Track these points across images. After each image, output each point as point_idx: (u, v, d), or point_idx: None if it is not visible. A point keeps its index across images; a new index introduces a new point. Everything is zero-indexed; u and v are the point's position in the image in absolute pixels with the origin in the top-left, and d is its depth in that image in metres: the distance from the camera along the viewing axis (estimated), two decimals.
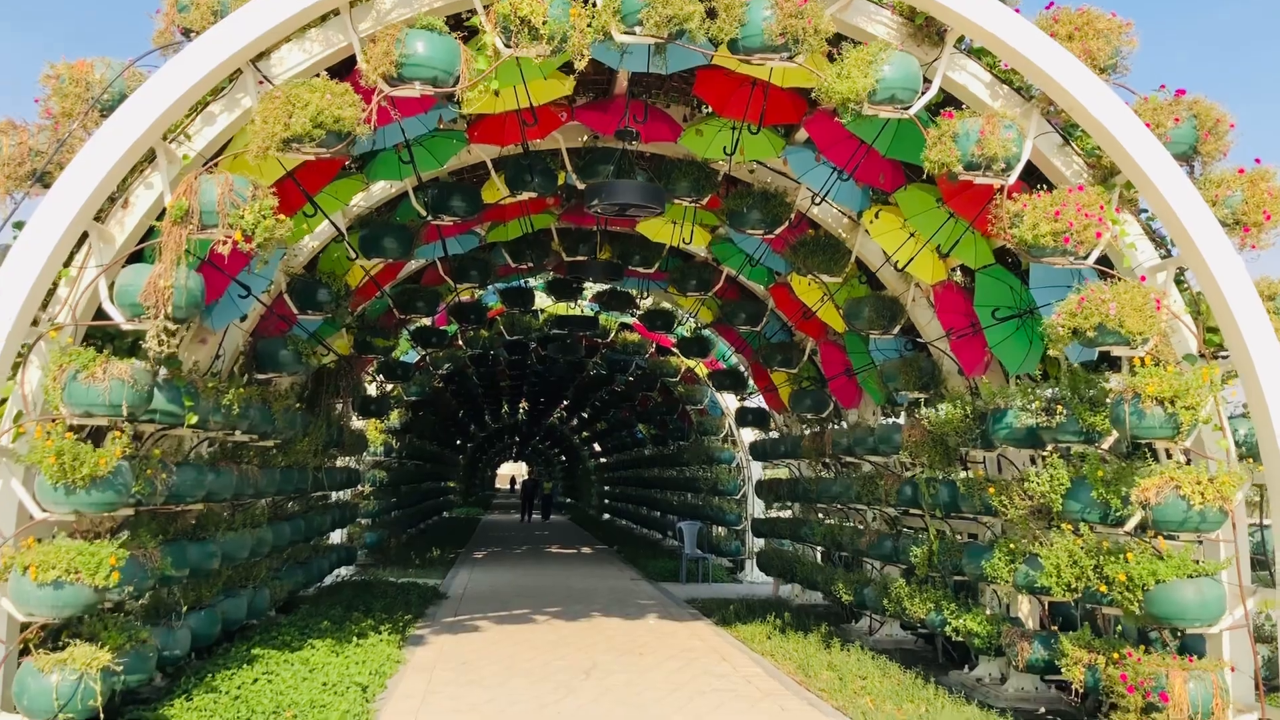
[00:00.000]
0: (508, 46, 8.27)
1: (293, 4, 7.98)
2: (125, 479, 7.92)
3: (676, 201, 12.71)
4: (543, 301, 22.16)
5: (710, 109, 11.71)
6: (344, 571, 20.75)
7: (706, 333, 21.18)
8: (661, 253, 16.70)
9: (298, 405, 13.16)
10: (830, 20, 8.40)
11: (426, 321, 21.26)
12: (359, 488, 23.88)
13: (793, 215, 12.69)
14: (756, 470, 23.55)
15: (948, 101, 9.39)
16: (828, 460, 17.16)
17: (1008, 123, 8.43)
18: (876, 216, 11.77)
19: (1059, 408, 9.20)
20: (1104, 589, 8.59)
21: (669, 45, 9.22)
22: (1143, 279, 8.58)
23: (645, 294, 19.91)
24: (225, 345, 12.24)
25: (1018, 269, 11.06)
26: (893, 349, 13.74)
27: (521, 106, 10.89)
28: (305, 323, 14.09)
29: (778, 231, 12.67)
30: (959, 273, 12.27)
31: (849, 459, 16.10)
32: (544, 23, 8.07)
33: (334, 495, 19.98)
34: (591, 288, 21.18)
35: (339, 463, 19.45)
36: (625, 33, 8.40)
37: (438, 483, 41.51)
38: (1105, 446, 9.37)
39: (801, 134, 11.84)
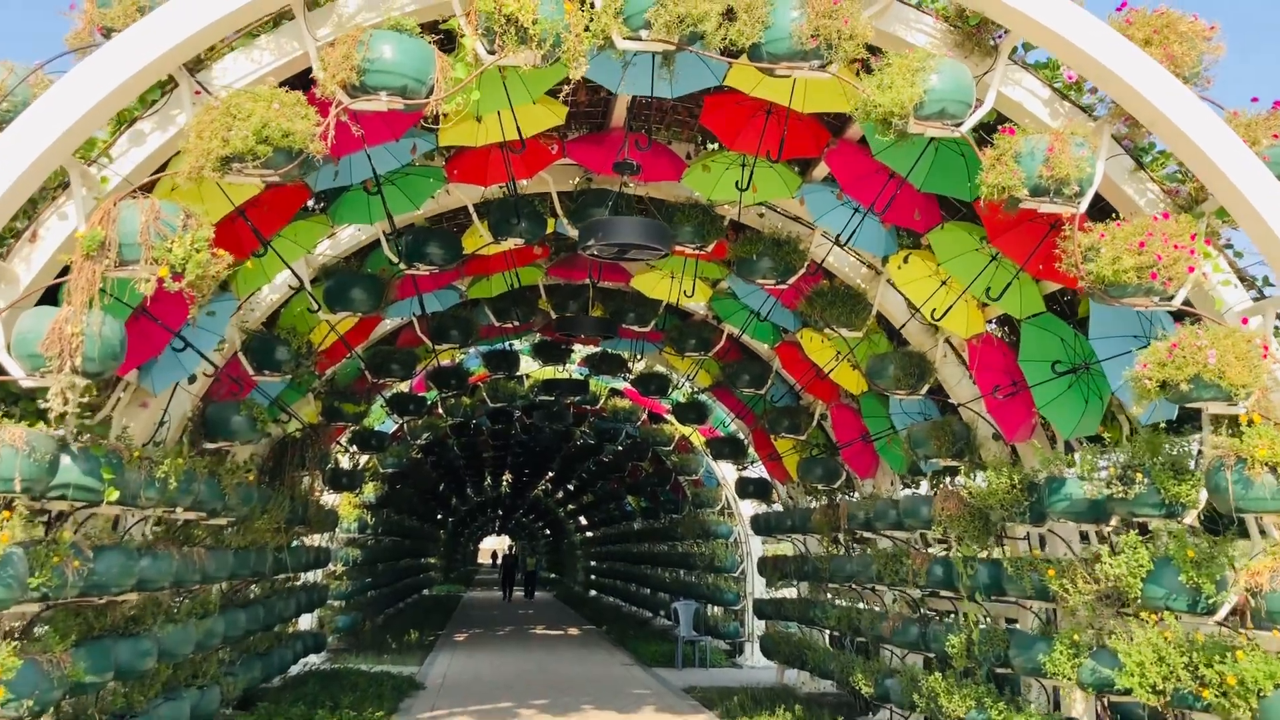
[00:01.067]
0: (491, 53, 7.01)
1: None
2: (17, 570, 6.43)
3: (678, 249, 11.41)
4: (528, 366, 20.78)
5: (719, 143, 10.49)
6: (313, 659, 19.07)
7: (704, 398, 19.80)
8: (658, 310, 15.39)
9: (252, 477, 11.67)
10: (867, 24, 7.18)
11: (403, 387, 19.87)
12: (330, 567, 22.24)
13: (808, 263, 11.41)
14: (757, 546, 22.04)
15: (999, 122, 8.16)
16: (839, 536, 15.71)
17: (1079, 140, 7.18)
18: (905, 262, 10.50)
19: (1138, 475, 7.83)
20: (1204, 693, 7.16)
21: (678, 58, 8.03)
22: (1244, 321, 7.28)
23: (638, 356, 18.56)
24: (171, 411, 10.84)
25: (1071, 318, 9.78)
26: (915, 412, 12.41)
27: (508, 139, 9.60)
28: (267, 387, 12.73)
29: (791, 281, 11.38)
30: (995, 324, 10.99)
31: (866, 534, 14.67)
32: (534, 22, 6.82)
33: (302, 577, 18.35)
34: (581, 351, 19.85)
35: (308, 541, 17.88)
36: (629, 37, 7.17)
37: (417, 559, 39.67)
38: (1189, 521, 8.01)
39: (820, 170, 10.60)
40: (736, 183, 10.20)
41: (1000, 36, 7.70)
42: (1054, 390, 9.70)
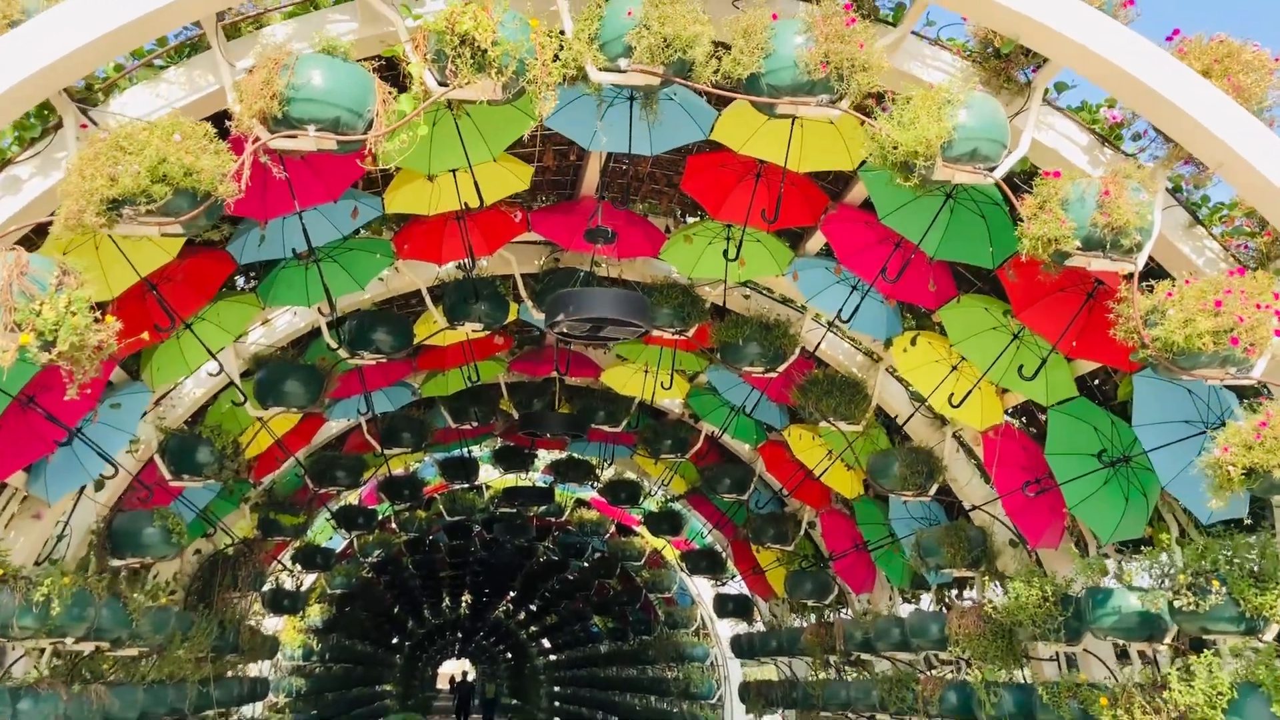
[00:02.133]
0: (442, 83, 5.88)
1: (121, 11, 5.52)
2: None
3: (655, 335, 10.21)
4: (488, 475, 19.36)
5: (701, 214, 9.41)
6: None
7: (678, 506, 18.41)
8: (630, 408, 14.14)
9: (167, 599, 10.15)
10: (882, 54, 6.14)
11: (352, 499, 18.37)
12: (271, 699, 20.36)
13: (799, 349, 10.25)
14: (736, 670, 20.43)
15: (1029, 175, 7.12)
16: (833, 658, 14.23)
17: (1135, 184, 6.10)
18: (912, 344, 9.34)
19: (1214, 583, 6.58)
20: None
21: (662, 108, 7.02)
22: None
23: (607, 462, 17.22)
24: (73, 522, 9.39)
25: (1106, 403, 8.64)
26: (918, 518, 11.15)
27: (466, 203, 8.45)
28: (193, 495, 11.28)
29: (781, 369, 10.19)
30: (1013, 414, 9.84)
31: (864, 656, 13.23)
32: (493, 43, 5.70)
33: (236, 713, 16.50)
34: (545, 457, 18.49)
35: (245, 671, 16.10)
36: (605, 68, 6.07)
37: (370, 687, 37.32)
38: (1269, 638, 6.75)
39: (815, 242, 9.51)
40: (724, 251, 9.06)
41: (1034, 71, 6.69)
42: (1087, 487, 8.49)
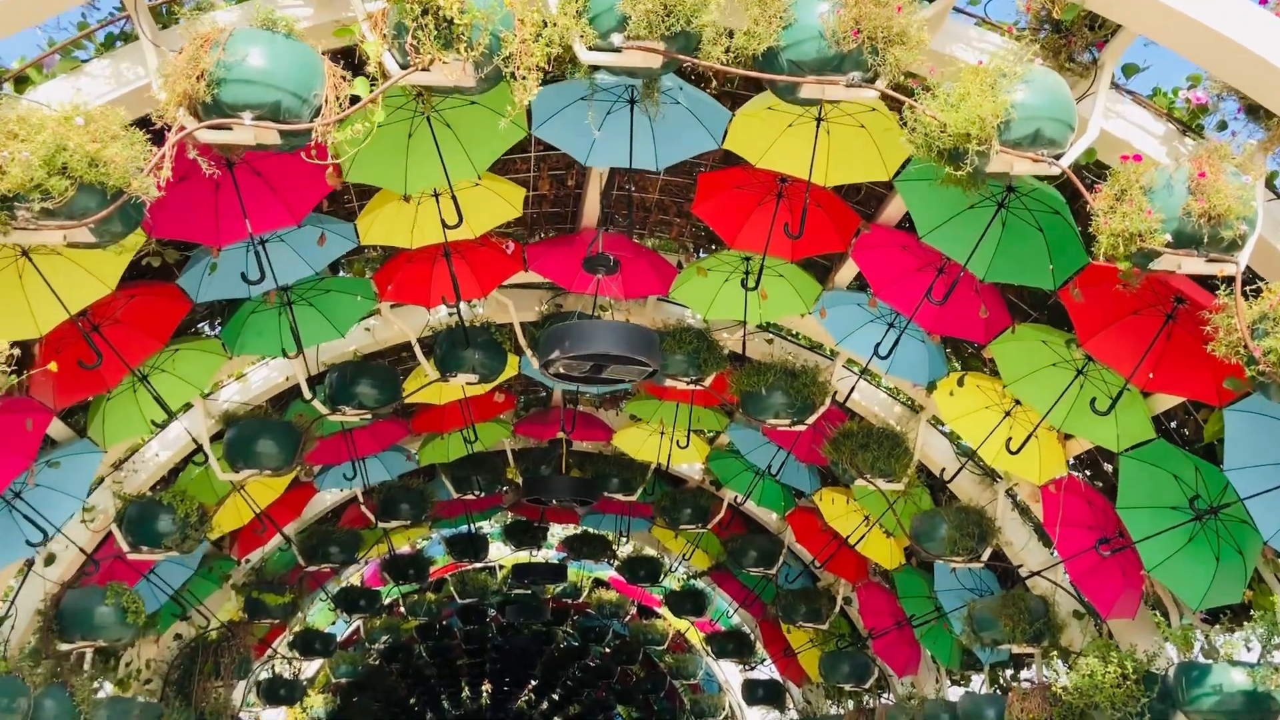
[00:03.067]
0: (404, 65, 4.98)
1: None
2: None
3: (670, 384, 9.19)
4: (499, 552, 18.24)
5: (715, 248, 8.45)
6: None
7: (701, 584, 17.17)
8: (645, 475, 13.06)
9: (145, 689, 9.07)
10: (921, 28, 5.20)
11: (355, 579, 17.27)
12: None
13: (829, 399, 9.19)
14: None
15: (1097, 171, 6.12)
16: None
17: (1232, 167, 5.09)
18: (959, 385, 8.27)
19: None
20: None
21: (668, 116, 6.10)
22: None
23: (624, 536, 16.06)
24: (19, 602, 8.41)
25: (1190, 445, 7.52)
26: (967, 589, 9.97)
27: (450, 231, 7.51)
28: (167, 573, 10.30)
29: (809, 421, 9.12)
30: (1074, 463, 8.71)
31: None
32: (461, 11, 4.80)
33: None
34: (557, 532, 17.38)
35: None
36: (596, 46, 5.15)
37: None
38: None
39: (846, 272, 8.50)
40: (743, 282, 8.05)
41: (1099, 47, 5.72)
42: (1169, 545, 7.32)
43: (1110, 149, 5.85)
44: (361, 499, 12.52)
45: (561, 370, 7.05)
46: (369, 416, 9.05)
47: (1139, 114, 5.89)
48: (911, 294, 7.72)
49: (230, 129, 4.90)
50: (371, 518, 12.57)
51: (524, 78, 5.08)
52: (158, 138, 5.07)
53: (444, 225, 6.70)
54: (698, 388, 9.23)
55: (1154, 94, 5.96)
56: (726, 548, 13.75)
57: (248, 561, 12.68)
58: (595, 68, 5.33)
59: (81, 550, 8.47)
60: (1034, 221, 6.64)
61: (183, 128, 4.83)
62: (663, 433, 12.06)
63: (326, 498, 13.36)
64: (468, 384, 9.19)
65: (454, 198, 6.42)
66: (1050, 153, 5.19)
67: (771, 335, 9.74)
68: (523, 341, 9.23)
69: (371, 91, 5.02)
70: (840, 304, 8.51)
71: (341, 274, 8.63)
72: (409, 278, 8.42)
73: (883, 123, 6.56)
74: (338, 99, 5.01)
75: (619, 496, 13.27)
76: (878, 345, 7.71)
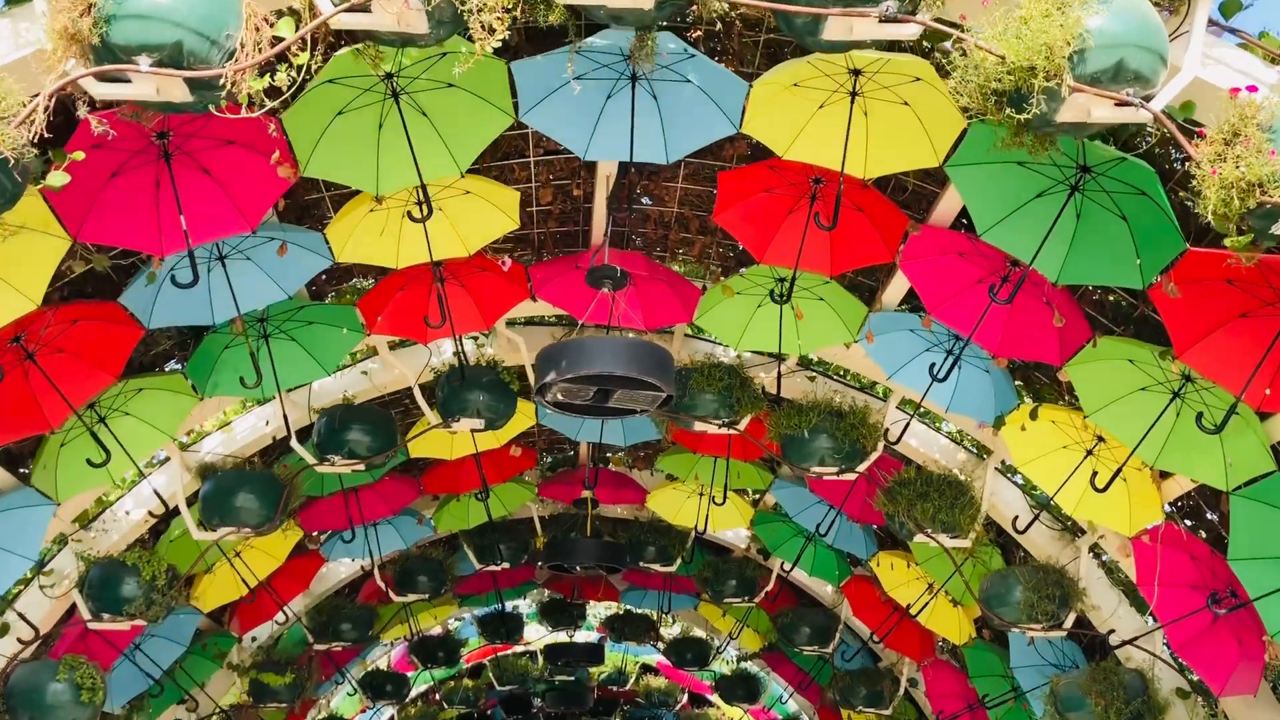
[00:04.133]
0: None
1: None
2: None
3: (699, 426, 8.13)
4: (536, 633, 17.08)
5: (738, 270, 7.45)
6: None
7: (753, 667, 15.79)
8: (685, 542, 11.92)
9: None
10: None
11: (381, 663, 16.16)
12: None
13: (881, 442, 8.06)
14: None
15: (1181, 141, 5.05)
16: None
17: None
18: (1033, 419, 7.10)
19: None
20: None
21: (676, 94, 5.24)
22: None
23: (668, 615, 14.84)
24: None
25: None
26: (1049, 664, 8.66)
27: (434, 248, 6.61)
28: (156, 652, 9.38)
29: (861, 469, 7.99)
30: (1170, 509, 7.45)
31: None
32: None
33: None
34: (598, 611, 16.21)
35: None
36: None
37: None
38: None
39: (895, 289, 7.42)
40: (773, 293, 6.99)
41: None
42: None
43: (1205, 95, 4.77)
44: (376, 570, 11.51)
45: (560, 398, 6.03)
46: (362, 467, 8.07)
47: (1241, 59, 4.82)
48: (972, 310, 6.62)
49: (126, 79, 4.05)
50: (387, 589, 11.55)
51: (486, 24, 4.17)
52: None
53: (410, 218, 5.77)
54: (732, 431, 8.15)
55: (1261, 36, 4.90)
56: (777, 624, 12.47)
57: (254, 640, 11.69)
58: (573, 11, 4.43)
59: (28, 623, 7.53)
60: (1115, 207, 5.55)
61: (64, 74, 3.98)
62: (701, 494, 11.00)
63: (340, 570, 12.40)
64: (473, 430, 8.19)
65: (423, 187, 5.49)
66: (1138, 92, 4.16)
67: (814, 373, 8.65)
68: (534, 376, 8.23)
69: (298, 32, 4.15)
70: (889, 329, 7.43)
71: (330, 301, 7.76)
72: (402, 308, 7.52)
73: (929, 97, 5.55)
74: (257, 44, 4.14)
75: (656, 568, 12.15)
76: (933, 368, 6.60)
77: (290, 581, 10.93)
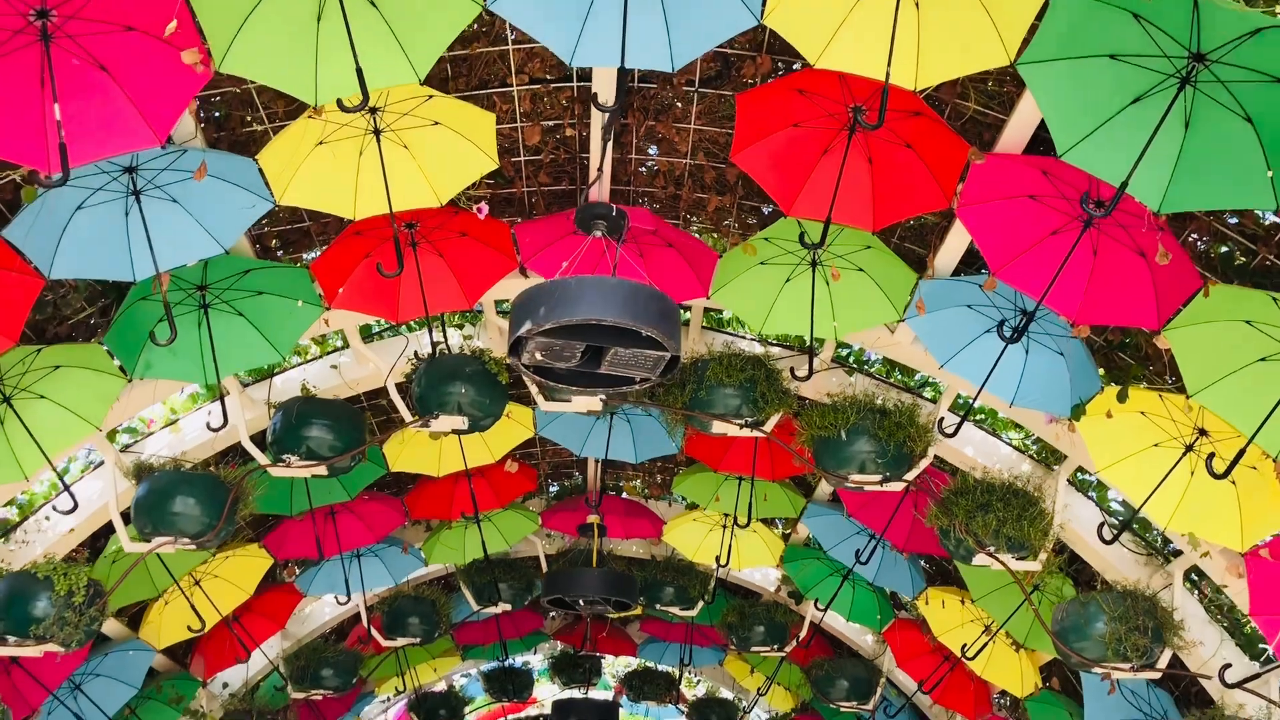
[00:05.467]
0: None
1: None
2: None
3: (719, 428, 6.92)
4: (547, 693, 15.70)
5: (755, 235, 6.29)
6: None
7: None
8: (707, 583, 10.64)
9: None
10: None
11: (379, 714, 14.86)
12: None
13: (931, 446, 6.82)
14: None
15: None
16: None
17: None
18: (1121, 401, 5.84)
19: None
20: None
21: None
22: None
23: (689, 669, 13.46)
24: None
25: None
26: (1143, 716, 7.30)
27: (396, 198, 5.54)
28: (103, 694, 8.24)
29: (910, 477, 6.74)
30: None
31: None
32: None
33: None
34: (615, 665, 14.82)
35: None
36: None
37: None
38: None
39: (950, 250, 6.23)
40: (802, 238, 5.79)
41: None
42: None
43: None
44: (363, 610, 10.29)
45: (540, 358, 4.87)
46: (324, 470, 6.92)
47: None
48: (1046, 263, 5.43)
49: None
50: (372, 631, 10.31)
51: None
52: None
53: (341, 107, 4.66)
54: (757, 434, 6.94)
55: None
56: (811, 678, 11.08)
57: (225, 686, 10.47)
58: None
59: None
60: (1237, 105, 4.36)
61: None
62: (725, 525, 9.76)
63: (324, 610, 11.20)
64: (456, 431, 7.03)
65: (358, 70, 4.38)
66: None
67: (850, 366, 7.46)
68: (528, 379, 7.07)
69: None
70: (943, 304, 6.22)
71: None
72: (370, 278, 6.42)
73: None
74: None
75: (675, 612, 10.83)
76: (1002, 325, 5.38)
77: (262, 619, 9.74)
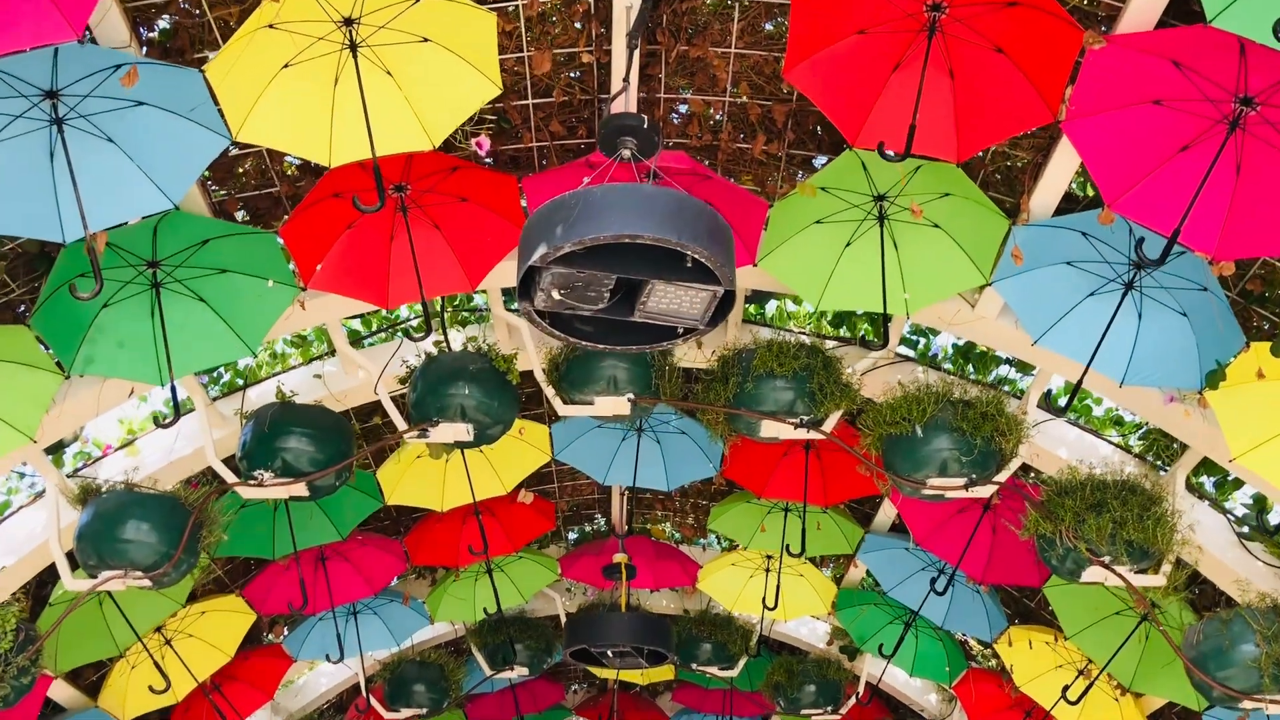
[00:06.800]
0: None
1: None
2: None
3: (768, 432, 5.84)
4: None
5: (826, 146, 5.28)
6: None
7: None
8: (749, 641, 9.42)
9: None
10: None
11: None
12: None
13: (1022, 441, 5.71)
14: None
15: None
16: None
17: None
18: (1277, 355, 4.74)
19: None
20: None
21: None
22: None
23: None
24: None
25: None
26: None
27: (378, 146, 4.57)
28: None
29: (1001, 477, 5.62)
30: None
31: None
32: None
33: None
34: None
35: None
36: None
37: None
38: None
39: (1051, 180, 5.20)
40: (882, 149, 4.73)
41: None
42: None
43: None
44: (362, 678, 9.09)
45: (558, 297, 3.82)
46: (304, 490, 5.83)
47: None
48: (1176, 191, 4.41)
49: None
50: (373, 702, 9.09)
51: None
52: None
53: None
54: (814, 435, 5.86)
55: None
56: None
57: None
58: None
59: None
60: None
61: None
62: (769, 569, 8.65)
63: (320, 680, 10.00)
64: (459, 445, 5.96)
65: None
66: None
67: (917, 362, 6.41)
68: (543, 377, 6.02)
69: None
70: (1038, 259, 5.17)
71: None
72: (354, 253, 5.44)
73: None
74: None
75: (714, 672, 9.58)
76: (1141, 245, 4.31)
77: (247, 689, 8.55)
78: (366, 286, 5.56)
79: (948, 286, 5.46)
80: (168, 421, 4.95)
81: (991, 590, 7.72)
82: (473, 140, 4.87)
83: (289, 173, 5.41)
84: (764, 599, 8.16)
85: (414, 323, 6.89)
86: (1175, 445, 5.96)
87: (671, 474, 7.57)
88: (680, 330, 4.06)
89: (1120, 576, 5.42)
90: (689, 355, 6.45)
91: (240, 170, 5.27)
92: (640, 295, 3.86)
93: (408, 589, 8.83)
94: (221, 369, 6.63)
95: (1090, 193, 5.34)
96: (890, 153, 4.26)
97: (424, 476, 7.32)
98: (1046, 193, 5.11)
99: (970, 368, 6.76)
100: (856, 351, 6.48)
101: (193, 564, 5.77)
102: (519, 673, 9.57)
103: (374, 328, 6.86)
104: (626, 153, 4.24)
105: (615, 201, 3.60)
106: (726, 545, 9.23)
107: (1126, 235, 4.99)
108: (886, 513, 7.81)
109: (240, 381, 6.60)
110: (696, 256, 3.60)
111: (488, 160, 5.28)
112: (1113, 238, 5.03)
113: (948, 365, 6.73)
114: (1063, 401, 4.94)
